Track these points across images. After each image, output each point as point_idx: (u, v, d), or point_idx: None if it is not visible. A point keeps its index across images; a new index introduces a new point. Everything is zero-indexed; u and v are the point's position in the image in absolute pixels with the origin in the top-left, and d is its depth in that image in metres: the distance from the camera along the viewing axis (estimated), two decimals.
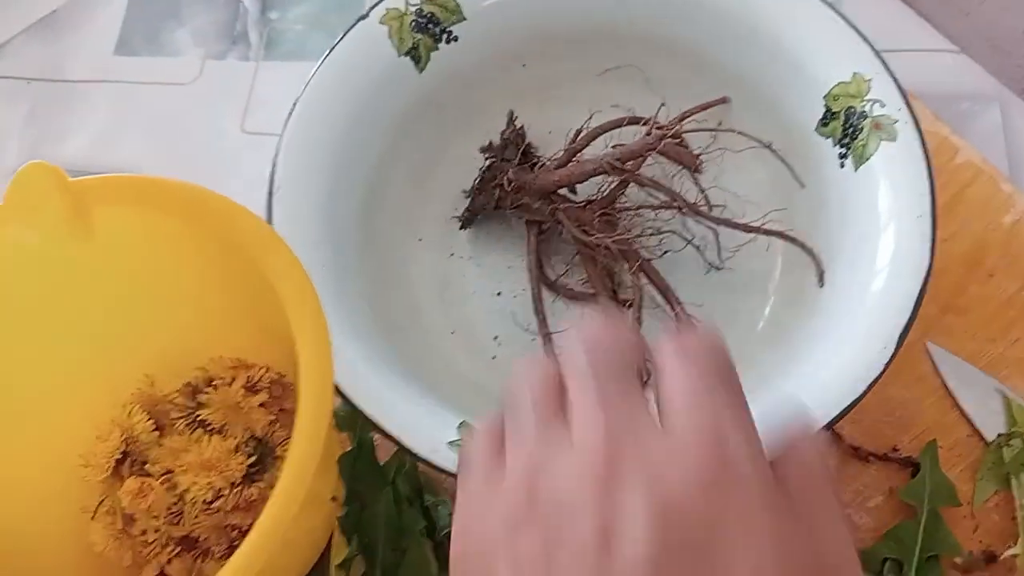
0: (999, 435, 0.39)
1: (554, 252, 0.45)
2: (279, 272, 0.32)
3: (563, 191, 0.43)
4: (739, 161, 0.43)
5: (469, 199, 0.45)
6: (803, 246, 0.41)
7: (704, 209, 0.41)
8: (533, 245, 0.44)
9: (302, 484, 0.29)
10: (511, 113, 0.46)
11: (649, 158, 0.41)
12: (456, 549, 0.23)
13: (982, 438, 0.40)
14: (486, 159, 0.45)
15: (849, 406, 0.33)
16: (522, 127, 0.45)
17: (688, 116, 0.43)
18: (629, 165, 0.41)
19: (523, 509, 0.21)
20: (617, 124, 0.43)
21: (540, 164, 0.43)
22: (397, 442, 0.34)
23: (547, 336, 0.42)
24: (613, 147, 0.42)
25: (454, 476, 0.33)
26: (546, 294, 0.44)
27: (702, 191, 0.42)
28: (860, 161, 0.39)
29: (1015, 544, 0.37)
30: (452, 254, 0.46)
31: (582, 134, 0.43)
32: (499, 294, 0.45)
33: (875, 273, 0.36)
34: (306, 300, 0.32)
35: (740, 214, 0.42)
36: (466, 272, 0.45)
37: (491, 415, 0.24)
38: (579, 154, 0.43)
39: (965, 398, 0.40)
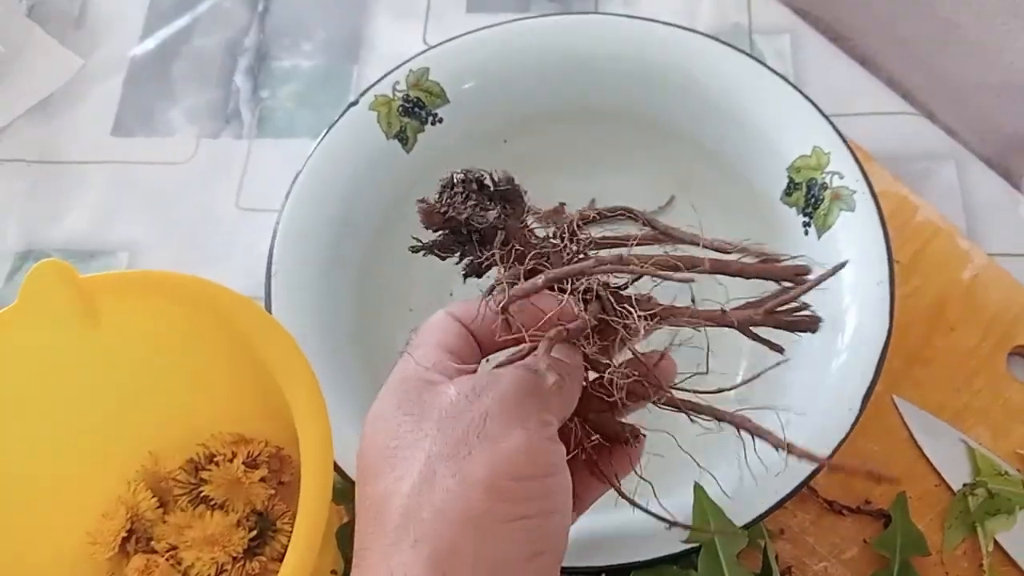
0: (964, 484, 0.41)
1: None
2: (280, 360, 0.34)
3: None
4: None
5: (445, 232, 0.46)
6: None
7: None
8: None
9: (307, 564, 0.31)
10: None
11: None
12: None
13: (949, 488, 0.42)
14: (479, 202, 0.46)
15: (818, 468, 0.35)
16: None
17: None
18: None
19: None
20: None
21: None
22: None
23: None
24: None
25: None
26: None
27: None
28: (823, 229, 0.42)
29: None
30: None
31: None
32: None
33: (840, 347, 0.38)
34: (306, 388, 0.34)
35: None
36: None
37: None
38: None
39: (931, 449, 0.42)
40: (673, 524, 0.33)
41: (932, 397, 0.44)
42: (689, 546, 0.34)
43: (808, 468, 0.35)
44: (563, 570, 0.34)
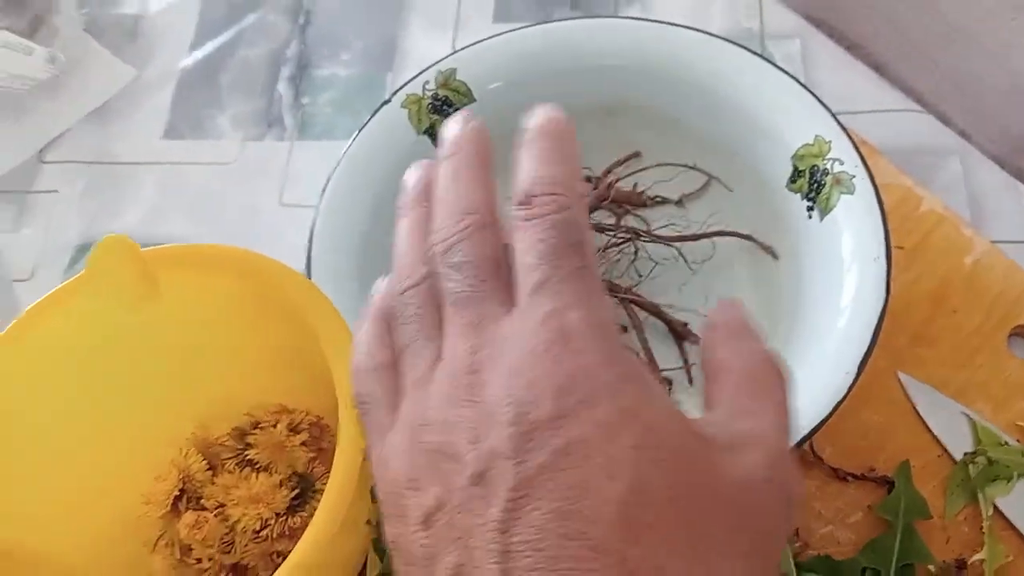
0: (966, 454, 0.43)
1: None
2: (321, 324, 0.37)
3: None
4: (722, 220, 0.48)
5: None
6: (753, 239, 0.47)
7: (659, 233, 0.47)
8: None
9: (339, 511, 0.34)
10: None
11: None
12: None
13: (951, 457, 0.44)
14: None
15: (819, 425, 0.37)
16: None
17: (611, 171, 0.50)
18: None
19: (414, 456, 0.24)
20: None
21: None
22: None
23: None
24: None
25: None
26: None
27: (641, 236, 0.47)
28: (825, 212, 0.44)
29: (982, 551, 0.41)
30: None
31: None
32: None
33: (840, 311, 0.41)
34: (345, 348, 0.37)
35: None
36: None
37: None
38: None
39: (934, 421, 0.45)
40: None
41: (936, 374, 0.46)
42: None
43: (807, 429, 0.38)
44: None
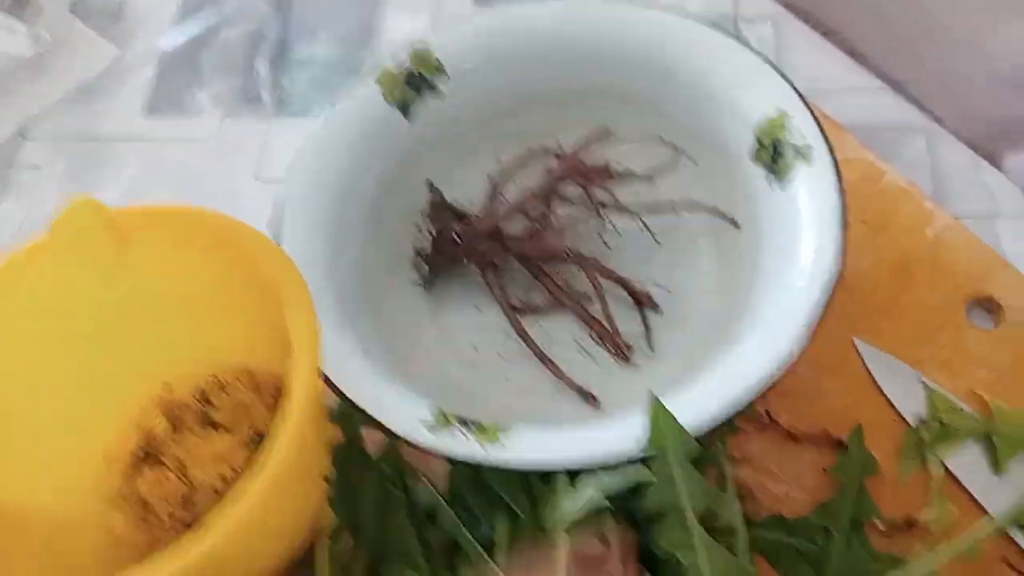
0: (920, 419, 0.44)
1: (511, 282, 0.50)
2: (286, 288, 0.38)
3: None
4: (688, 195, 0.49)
5: (428, 264, 0.50)
6: (716, 210, 0.48)
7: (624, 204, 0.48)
8: (495, 281, 0.49)
9: (287, 459, 0.34)
10: (429, 183, 0.51)
11: None
12: None
13: (905, 422, 0.44)
14: (432, 228, 0.50)
15: (770, 383, 0.38)
16: (440, 194, 0.50)
17: (583, 148, 0.50)
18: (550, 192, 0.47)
19: None
20: (527, 158, 0.50)
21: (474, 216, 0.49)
22: (379, 424, 0.39)
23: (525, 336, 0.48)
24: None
25: (431, 454, 0.39)
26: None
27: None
28: (784, 182, 0.45)
29: (930, 509, 0.41)
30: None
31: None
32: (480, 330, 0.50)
33: (797, 273, 0.41)
34: (301, 297, 0.37)
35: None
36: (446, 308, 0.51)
37: None
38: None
39: (889, 387, 0.45)
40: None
41: (895, 345, 0.47)
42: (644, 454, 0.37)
43: (761, 384, 0.38)
44: (516, 472, 0.38)
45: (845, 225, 0.42)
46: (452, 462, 0.43)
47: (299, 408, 0.35)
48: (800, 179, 0.44)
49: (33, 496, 0.42)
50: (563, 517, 0.36)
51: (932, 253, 0.49)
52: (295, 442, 0.35)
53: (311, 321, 0.37)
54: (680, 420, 0.37)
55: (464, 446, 0.38)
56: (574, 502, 0.37)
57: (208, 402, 0.45)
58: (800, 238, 0.42)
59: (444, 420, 0.39)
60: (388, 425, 0.39)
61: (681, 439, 0.36)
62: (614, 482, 0.37)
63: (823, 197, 0.43)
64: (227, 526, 0.31)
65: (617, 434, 0.38)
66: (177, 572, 0.31)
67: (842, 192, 0.42)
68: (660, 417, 0.37)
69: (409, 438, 0.39)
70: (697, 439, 0.37)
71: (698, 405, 0.38)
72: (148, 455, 0.44)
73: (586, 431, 0.39)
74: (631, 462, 0.37)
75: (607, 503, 0.37)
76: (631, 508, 0.38)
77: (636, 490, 0.37)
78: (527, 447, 0.38)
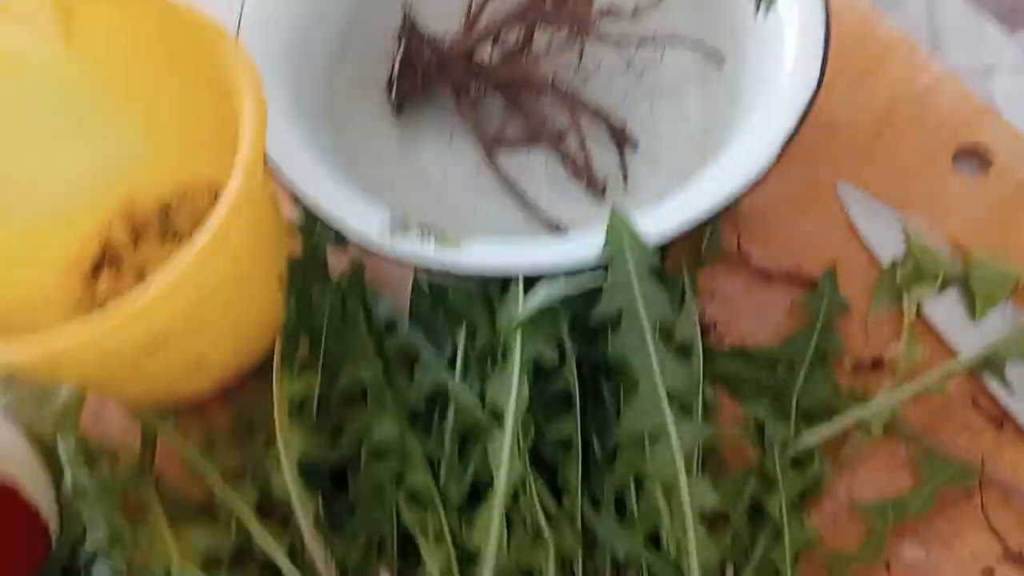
0: (895, 258, 0.43)
1: (486, 114, 0.48)
2: (230, 64, 0.36)
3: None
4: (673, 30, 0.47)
5: (395, 85, 0.47)
6: (700, 44, 0.46)
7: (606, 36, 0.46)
8: (468, 108, 0.47)
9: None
10: (404, 5, 0.48)
11: None
12: None
13: (880, 263, 0.43)
14: (398, 47, 0.47)
15: (741, 192, 0.37)
16: (413, 16, 0.47)
17: None
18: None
19: None
20: None
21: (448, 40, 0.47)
22: (334, 224, 0.38)
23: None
24: None
25: (388, 260, 0.38)
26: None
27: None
28: (769, 8, 0.43)
29: (898, 346, 0.40)
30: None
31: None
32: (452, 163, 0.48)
33: (776, 93, 0.40)
34: (252, 83, 0.36)
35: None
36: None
37: None
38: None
39: (866, 227, 0.44)
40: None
41: (877, 188, 0.45)
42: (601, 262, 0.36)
43: (739, 187, 0.37)
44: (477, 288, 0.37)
45: (828, 44, 0.40)
46: (413, 287, 0.42)
47: (243, 174, 0.33)
48: (784, 5, 0.42)
49: None
50: (516, 317, 0.35)
51: (922, 101, 0.47)
52: (239, 207, 0.32)
53: (260, 105, 0.35)
54: (641, 231, 0.36)
55: (422, 250, 0.37)
56: (528, 303, 0.36)
57: (169, 214, 0.44)
58: (783, 61, 0.41)
59: (404, 226, 0.38)
60: (343, 226, 0.38)
61: (639, 244, 0.35)
62: (569, 286, 0.36)
63: (808, 18, 0.41)
64: (165, 283, 0.30)
65: (576, 245, 0.37)
66: (113, 328, 0.30)
67: (827, 10, 0.41)
68: (618, 224, 0.36)
69: (365, 240, 0.37)
70: (660, 251, 0.36)
71: (662, 218, 0.37)
72: (108, 263, 0.43)
73: (546, 243, 0.38)
74: (589, 270, 0.36)
75: (558, 305, 0.36)
76: (586, 323, 0.37)
77: (591, 303, 0.37)
78: (486, 254, 0.37)
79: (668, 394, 0.35)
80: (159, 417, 0.39)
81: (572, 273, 0.36)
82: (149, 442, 0.40)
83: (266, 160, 0.38)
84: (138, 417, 0.40)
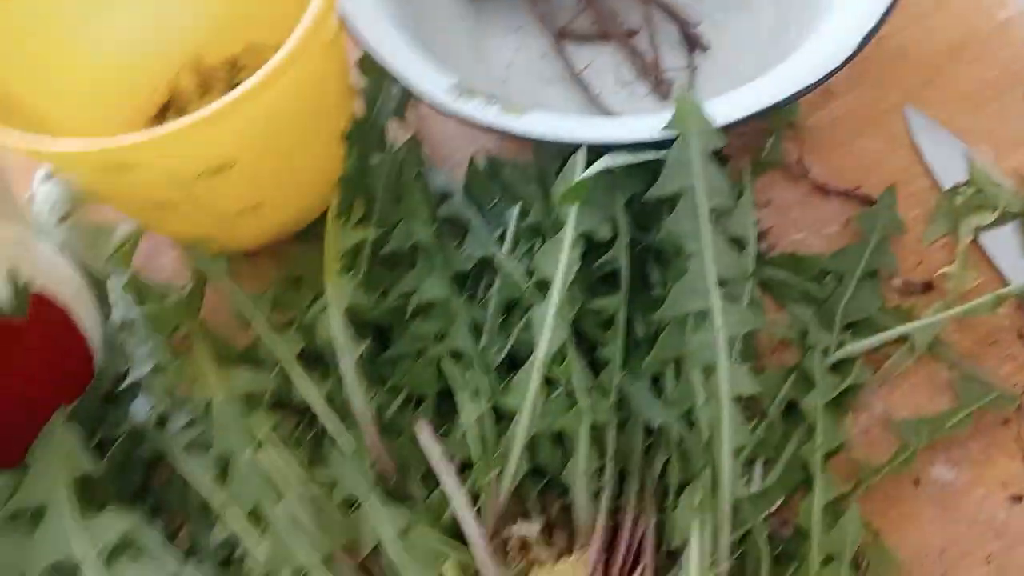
0: (956, 184, 0.42)
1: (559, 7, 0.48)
2: None
3: None
4: None
5: None
6: None
7: None
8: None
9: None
10: None
11: None
12: None
13: (940, 188, 0.43)
14: None
15: (820, 80, 0.36)
16: None
17: None
18: None
19: None
20: None
21: None
22: (402, 81, 0.38)
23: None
24: None
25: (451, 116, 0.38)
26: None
27: None
28: None
29: (951, 267, 0.40)
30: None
31: None
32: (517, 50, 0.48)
33: (852, 3, 0.39)
34: None
35: None
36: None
37: None
38: None
39: (930, 152, 0.43)
40: None
41: (944, 115, 0.45)
42: (668, 136, 0.36)
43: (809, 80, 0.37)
44: (543, 143, 0.37)
45: None
46: (470, 163, 0.43)
47: (313, 19, 0.34)
48: None
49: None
50: (573, 187, 0.36)
51: (997, 35, 0.47)
52: (304, 50, 0.33)
53: None
54: (708, 112, 0.36)
55: (486, 113, 0.37)
56: (587, 172, 0.36)
57: (237, 67, 0.44)
58: None
59: (470, 92, 0.38)
60: (410, 84, 0.38)
61: (704, 125, 0.35)
62: (628, 158, 0.36)
63: None
64: (227, 102, 0.31)
65: (639, 124, 0.37)
66: (175, 134, 0.31)
67: None
68: (686, 103, 0.36)
69: (431, 98, 0.38)
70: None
71: (732, 103, 0.37)
72: (174, 109, 0.44)
73: (608, 121, 0.38)
74: (650, 146, 0.36)
75: (615, 184, 0.36)
76: (642, 206, 0.37)
77: (648, 186, 0.36)
78: (549, 122, 0.37)
79: (718, 279, 0.35)
80: (212, 259, 0.40)
81: (633, 149, 0.36)
82: (199, 283, 0.41)
83: (340, 19, 0.38)
84: (191, 257, 0.41)
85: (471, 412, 0.35)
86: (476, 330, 0.37)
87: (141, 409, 0.39)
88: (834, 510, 0.35)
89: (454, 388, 0.36)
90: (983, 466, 0.38)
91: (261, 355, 0.39)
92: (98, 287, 0.42)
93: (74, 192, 0.46)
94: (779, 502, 0.35)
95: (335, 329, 0.37)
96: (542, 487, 0.35)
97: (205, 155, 0.34)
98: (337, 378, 0.37)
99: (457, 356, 0.36)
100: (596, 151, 0.36)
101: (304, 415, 0.38)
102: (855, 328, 0.39)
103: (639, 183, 0.37)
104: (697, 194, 0.35)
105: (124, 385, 0.39)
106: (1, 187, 0.39)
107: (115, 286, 0.42)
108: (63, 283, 0.40)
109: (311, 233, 0.42)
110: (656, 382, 0.36)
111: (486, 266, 0.39)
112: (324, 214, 0.41)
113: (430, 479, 0.35)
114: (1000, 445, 0.38)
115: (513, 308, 0.38)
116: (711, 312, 0.34)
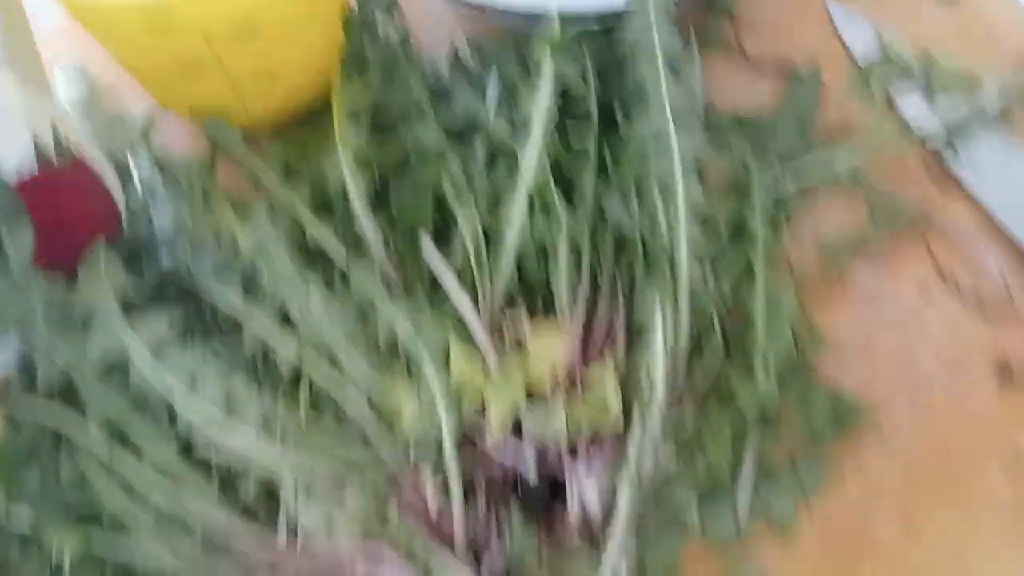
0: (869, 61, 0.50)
1: None
2: None
3: None
4: None
5: None
6: None
7: None
8: None
9: None
10: None
11: None
12: None
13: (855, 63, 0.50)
14: None
15: None
16: None
17: None
18: None
19: None
20: None
21: None
22: None
23: None
24: None
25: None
26: None
27: None
28: None
29: None
30: None
31: None
32: None
33: None
34: None
35: None
36: None
37: None
38: None
39: (848, 35, 0.51)
40: None
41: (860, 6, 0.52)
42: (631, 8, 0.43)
43: None
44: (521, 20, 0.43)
45: None
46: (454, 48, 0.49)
47: None
48: None
49: None
50: (549, 38, 0.42)
51: None
52: None
53: None
54: None
55: None
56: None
57: None
58: None
59: None
60: None
61: None
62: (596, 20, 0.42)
63: None
64: None
65: None
66: None
67: None
68: None
69: None
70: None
71: None
72: None
73: None
74: (616, 16, 0.43)
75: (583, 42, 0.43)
76: (606, 66, 0.44)
77: (611, 48, 0.43)
78: None
79: (672, 111, 0.41)
80: (228, 128, 0.46)
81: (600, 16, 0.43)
82: (215, 151, 0.46)
83: None
84: (208, 127, 0.46)
85: (468, 221, 0.41)
86: (467, 175, 0.43)
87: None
88: (774, 299, 0.41)
89: (452, 206, 0.42)
90: (898, 267, 0.45)
91: (274, 207, 0.44)
92: (117, 166, 0.47)
93: (90, 81, 0.52)
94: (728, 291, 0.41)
95: (345, 167, 0.43)
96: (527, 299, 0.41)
97: (231, 14, 0.39)
98: (345, 215, 0.43)
99: (454, 184, 0.42)
100: (570, 21, 0.43)
101: (320, 257, 0.43)
102: (786, 165, 0.46)
103: (605, 48, 0.43)
104: (655, 44, 0.42)
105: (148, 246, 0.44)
106: (37, 66, 0.44)
107: (137, 163, 0.47)
108: (89, 152, 0.45)
109: (314, 123, 0.47)
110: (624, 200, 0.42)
111: (473, 127, 0.45)
112: (326, 108, 0.46)
113: (433, 291, 0.41)
114: (910, 248, 0.45)
115: (497, 158, 0.44)
116: (668, 134, 0.41)
